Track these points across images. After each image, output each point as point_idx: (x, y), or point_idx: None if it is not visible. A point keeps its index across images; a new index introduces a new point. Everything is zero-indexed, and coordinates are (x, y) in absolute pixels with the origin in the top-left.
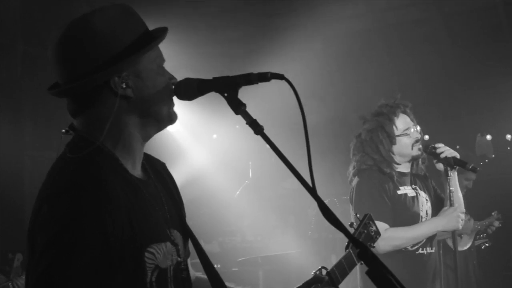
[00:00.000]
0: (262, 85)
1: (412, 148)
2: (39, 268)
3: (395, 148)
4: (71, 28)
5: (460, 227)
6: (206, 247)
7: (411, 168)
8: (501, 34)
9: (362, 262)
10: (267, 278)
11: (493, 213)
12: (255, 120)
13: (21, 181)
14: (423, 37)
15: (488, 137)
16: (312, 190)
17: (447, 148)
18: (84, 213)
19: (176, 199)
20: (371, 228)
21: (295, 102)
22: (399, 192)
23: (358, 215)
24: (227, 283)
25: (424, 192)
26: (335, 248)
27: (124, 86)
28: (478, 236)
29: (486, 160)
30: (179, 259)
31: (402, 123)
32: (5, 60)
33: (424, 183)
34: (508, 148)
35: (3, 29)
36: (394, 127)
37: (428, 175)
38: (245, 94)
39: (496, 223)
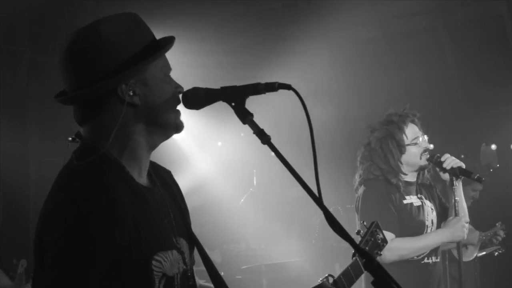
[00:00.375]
0: (269, 95)
1: (420, 158)
2: (49, 279)
3: (403, 158)
4: (79, 36)
5: (465, 236)
6: (210, 255)
7: (417, 178)
8: (506, 43)
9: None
10: (271, 286)
11: (497, 224)
12: (262, 130)
13: (27, 188)
14: (429, 46)
15: (493, 146)
16: (318, 200)
17: (453, 158)
18: (92, 221)
19: (181, 207)
20: (378, 235)
21: (302, 111)
22: (405, 201)
23: (365, 223)
24: None
25: (430, 201)
26: (339, 256)
27: (131, 93)
28: (490, 243)
29: (491, 170)
30: (185, 267)
31: (411, 132)
32: (12, 66)
33: (430, 192)
34: None
35: (10, 36)
36: (404, 136)
37: (434, 184)
38: (252, 103)
39: (501, 233)
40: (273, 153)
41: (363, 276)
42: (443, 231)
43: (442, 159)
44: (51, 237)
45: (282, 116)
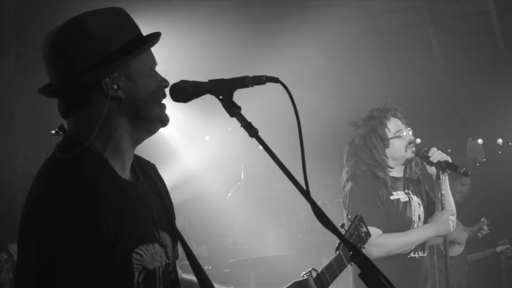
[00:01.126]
0: (257, 88)
1: (406, 150)
2: (32, 272)
3: (388, 152)
4: (64, 29)
5: (451, 229)
6: (196, 249)
7: (404, 172)
8: (493, 39)
9: (352, 263)
10: (258, 280)
11: (482, 219)
12: (250, 123)
13: (14, 181)
14: (416, 41)
15: (480, 141)
16: (305, 193)
17: (439, 152)
18: (75, 214)
19: (165, 201)
20: (361, 229)
21: (290, 105)
22: (392, 197)
23: (349, 216)
24: (216, 285)
25: (417, 196)
26: (326, 250)
27: (115, 87)
28: (500, 242)
29: (478, 164)
30: (167, 261)
31: (394, 126)
32: None
33: (417, 187)
34: (499, 152)
35: None
36: (386, 130)
37: (422, 179)
38: (241, 97)
39: (486, 228)
40: (261, 147)
41: (350, 269)
42: (429, 226)
43: (429, 153)
44: (34, 230)
45: (269, 110)
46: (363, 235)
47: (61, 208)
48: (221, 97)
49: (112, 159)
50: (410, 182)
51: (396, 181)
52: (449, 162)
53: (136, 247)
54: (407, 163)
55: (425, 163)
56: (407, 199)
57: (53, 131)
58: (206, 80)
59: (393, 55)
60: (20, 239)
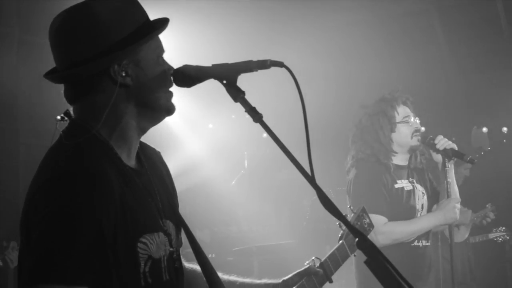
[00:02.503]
0: (262, 74)
1: (411, 138)
2: (33, 258)
3: (394, 136)
4: (72, 13)
5: (458, 217)
6: (198, 234)
7: (409, 162)
8: (498, 27)
9: (355, 254)
10: (262, 268)
11: (487, 205)
12: (254, 108)
13: (16, 170)
14: (421, 29)
15: (484, 129)
16: (311, 179)
17: (446, 139)
18: (79, 200)
19: (169, 189)
20: (364, 220)
21: (295, 91)
22: (396, 186)
23: (351, 207)
24: (219, 273)
25: (421, 185)
26: (329, 239)
27: (123, 74)
28: (495, 230)
29: (482, 153)
30: (171, 249)
31: (403, 111)
32: (1, 47)
33: (421, 176)
34: (504, 140)
35: None
36: (395, 113)
37: (426, 168)
38: (244, 82)
39: (491, 215)
40: (265, 134)
41: (353, 260)
42: (435, 214)
43: (435, 141)
44: (37, 216)
45: (274, 96)
46: (366, 226)
47: (62, 196)
48: (224, 81)
49: (118, 146)
50: (414, 171)
51: (400, 169)
52: (455, 150)
53: (141, 236)
54: (412, 151)
55: (431, 151)
56: (411, 187)
57: (59, 117)
58: (210, 65)
59: (398, 43)
60: (22, 226)
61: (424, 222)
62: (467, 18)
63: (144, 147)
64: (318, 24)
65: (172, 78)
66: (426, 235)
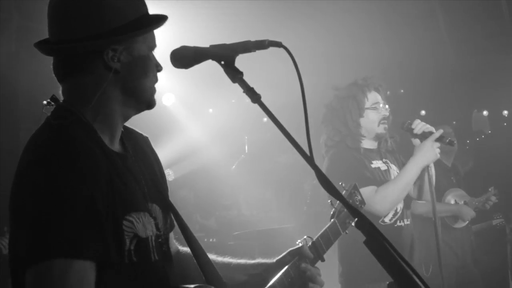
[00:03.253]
0: (261, 56)
1: (378, 125)
2: (22, 242)
3: (362, 121)
4: None
5: (439, 155)
6: (205, 223)
7: (380, 145)
8: (499, 10)
9: (347, 232)
10: (263, 252)
11: (490, 189)
12: (252, 88)
13: (17, 154)
14: (421, 13)
15: (485, 113)
16: (309, 159)
17: (423, 123)
18: (65, 180)
19: (157, 173)
20: (356, 197)
21: (293, 73)
22: (372, 165)
23: (343, 184)
24: (213, 256)
25: (395, 165)
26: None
27: (115, 60)
28: (494, 216)
29: (483, 136)
30: (158, 232)
31: (373, 97)
32: (0, 34)
33: (394, 156)
34: (505, 124)
35: None
36: (365, 99)
37: (397, 150)
38: (243, 63)
39: (493, 198)
40: (265, 119)
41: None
42: (415, 158)
43: (413, 125)
44: (23, 197)
45: (272, 77)
46: (357, 203)
47: (48, 176)
48: (222, 62)
49: (102, 130)
50: (387, 152)
51: (371, 152)
52: (434, 133)
53: (127, 214)
54: (378, 138)
55: (410, 136)
56: (386, 167)
57: (45, 102)
58: (207, 46)
59: (399, 27)
60: (10, 207)
61: (409, 170)
62: (468, 1)
63: (129, 132)
64: (317, 10)
65: (170, 59)
66: (405, 213)
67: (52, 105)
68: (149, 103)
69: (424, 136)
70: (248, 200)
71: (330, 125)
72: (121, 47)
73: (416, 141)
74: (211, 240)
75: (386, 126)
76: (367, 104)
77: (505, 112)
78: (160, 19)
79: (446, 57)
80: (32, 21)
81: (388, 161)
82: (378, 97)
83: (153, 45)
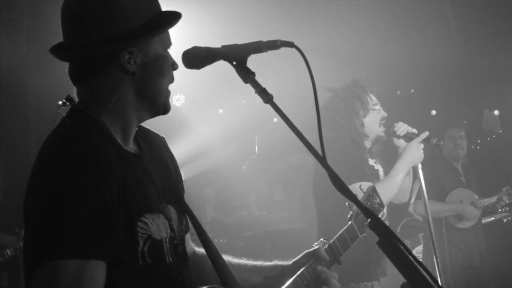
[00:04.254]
0: (273, 56)
1: (379, 126)
2: (34, 242)
3: (365, 122)
4: None
5: (423, 155)
6: (227, 220)
7: (371, 146)
8: (509, 9)
9: (365, 235)
10: (273, 253)
11: (504, 188)
12: (264, 89)
13: (26, 157)
14: (432, 12)
15: (496, 112)
16: (322, 159)
17: (406, 125)
18: (81, 179)
19: (172, 174)
20: (374, 200)
21: (305, 73)
22: (369, 162)
23: (361, 187)
24: (229, 257)
25: (381, 167)
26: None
27: (132, 62)
28: (500, 210)
29: (494, 136)
30: (172, 234)
31: (374, 98)
32: (10, 34)
33: (378, 157)
34: None
35: (8, 4)
36: (368, 98)
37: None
38: (254, 64)
39: (505, 198)
40: (275, 119)
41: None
42: (403, 159)
43: (395, 128)
44: (37, 197)
45: (284, 77)
46: (376, 206)
47: (66, 175)
48: (234, 62)
49: (116, 132)
50: (375, 154)
51: (368, 151)
52: (416, 133)
53: (142, 215)
54: (376, 140)
55: (395, 139)
56: (377, 167)
57: (60, 102)
58: (219, 46)
59: (409, 26)
60: (25, 207)
61: (398, 170)
62: (478, 0)
63: (145, 132)
64: (327, 8)
65: (181, 59)
66: (386, 217)
67: (68, 105)
68: (164, 106)
69: (408, 137)
70: (259, 200)
71: (333, 123)
72: (137, 49)
73: (401, 143)
74: (221, 240)
75: (384, 128)
76: (371, 103)
77: None
78: (174, 17)
79: (456, 56)
80: (42, 22)
81: (377, 162)
82: (375, 99)
83: (168, 44)
